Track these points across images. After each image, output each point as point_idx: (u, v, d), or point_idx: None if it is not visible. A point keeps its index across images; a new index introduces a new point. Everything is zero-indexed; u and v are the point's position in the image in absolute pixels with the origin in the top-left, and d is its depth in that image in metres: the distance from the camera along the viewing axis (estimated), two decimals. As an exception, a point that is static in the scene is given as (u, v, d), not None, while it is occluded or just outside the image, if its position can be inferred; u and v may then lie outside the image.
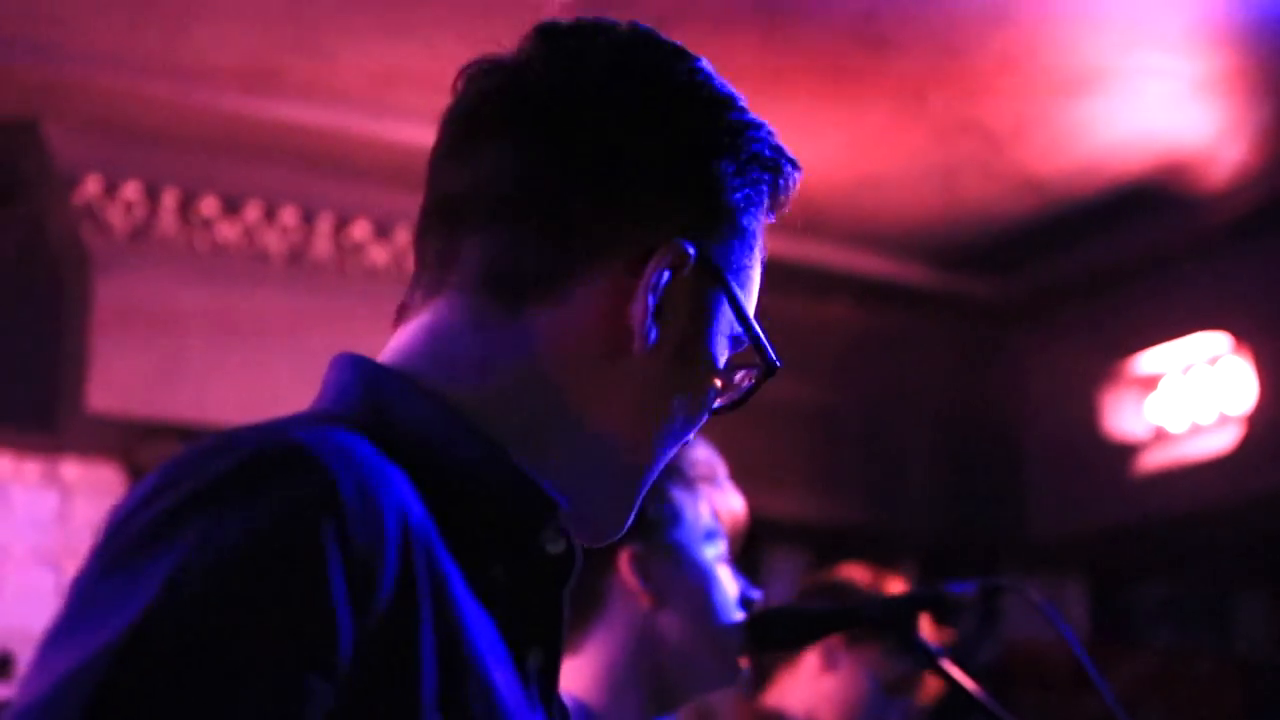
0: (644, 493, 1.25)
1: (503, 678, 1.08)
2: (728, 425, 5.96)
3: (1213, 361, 6.13)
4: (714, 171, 1.24)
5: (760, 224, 1.29)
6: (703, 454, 2.24)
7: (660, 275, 1.20)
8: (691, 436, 1.27)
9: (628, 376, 1.20)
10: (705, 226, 1.24)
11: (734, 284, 1.25)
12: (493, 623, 1.10)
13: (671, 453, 1.25)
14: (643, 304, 1.20)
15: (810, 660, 3.52)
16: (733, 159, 1.25)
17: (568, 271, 1.20)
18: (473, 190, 1.21)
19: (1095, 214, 5.93)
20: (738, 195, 1.26)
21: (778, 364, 1.28)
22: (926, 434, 6.85)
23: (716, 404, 1.28)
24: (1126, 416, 6.47)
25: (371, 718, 0.98)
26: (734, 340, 1.27)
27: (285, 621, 0.94)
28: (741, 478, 6.95)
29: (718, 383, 1.26)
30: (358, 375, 1.18)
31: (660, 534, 2.13)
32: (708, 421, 1.29)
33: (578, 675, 2.11)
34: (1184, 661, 7.83)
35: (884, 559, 7.06)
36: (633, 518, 1.25)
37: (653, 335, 1.20)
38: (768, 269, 1.33)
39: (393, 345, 1.22)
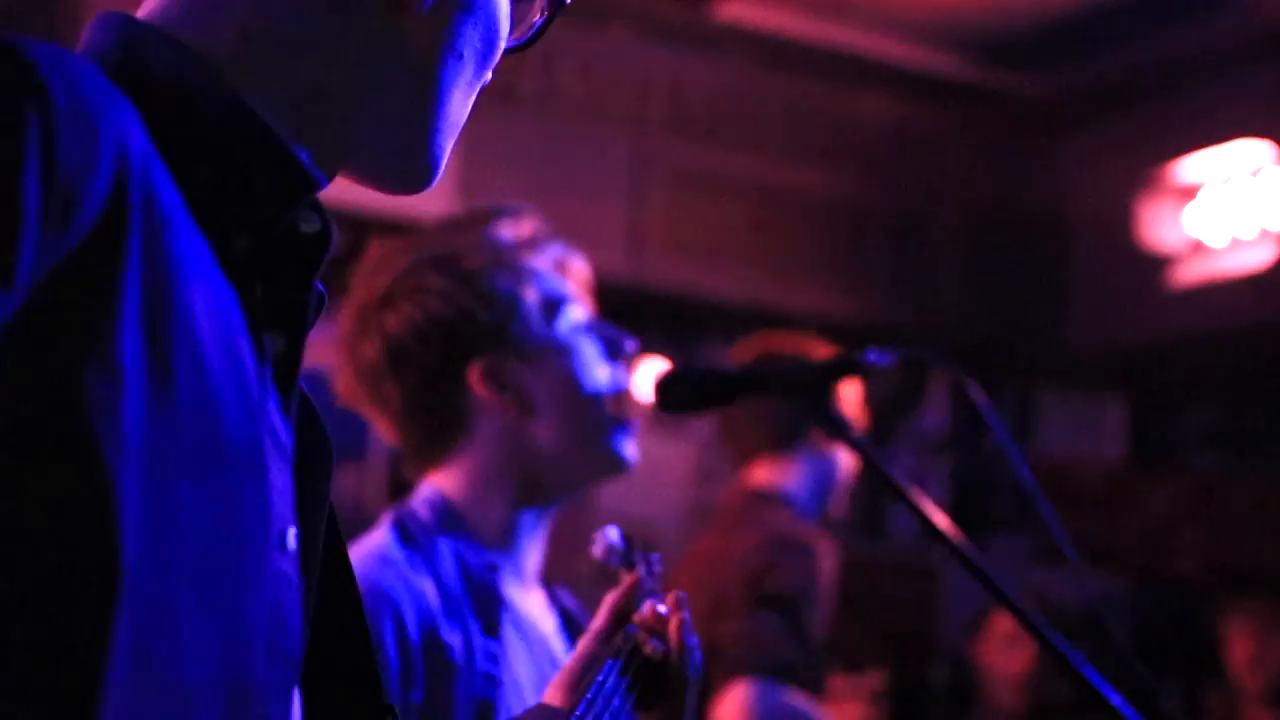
0: (446, 138, 1.19)
1: (221, 350, 1.00)
2: (752, 216, 5.80)
3: (1255, 173, 5.89)
4: None
5: None
6: (520, 227, 2.11)
7: None
8: (487, 76, 1.22)
9: (411, 32, 1.14)
10: None
11: None
12: (234, 296, 1.03)
13: (468, 97, 1.20)
14: None
15: (807, 443, 3.48)
16: None
17: None
18: None
19: (1142, 11, 5.68)
20: None
21: None
22: (961, 235, 6.68)
23: (510, 43, 1.23)
24: (1166, 226, 6.26)
25: (53, 357, 0.91)
26: None
27: None
28: (767, 270, 6.86)
29: (505, 20, 1.21)
30: (111, 25, 1.11)
31: (502, 337, 2.03)
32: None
33: (444, 481, 2.04)
34: (1225, 486, 7.67)
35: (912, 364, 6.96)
36: (442, 165, 1.19)
37: None
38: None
39: (142, 10, 1.15)
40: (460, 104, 1.18)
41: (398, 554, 1.93)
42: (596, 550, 1.62)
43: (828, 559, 3.36)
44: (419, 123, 1.16)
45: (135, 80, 1.03)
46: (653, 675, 1.49)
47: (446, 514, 2.01)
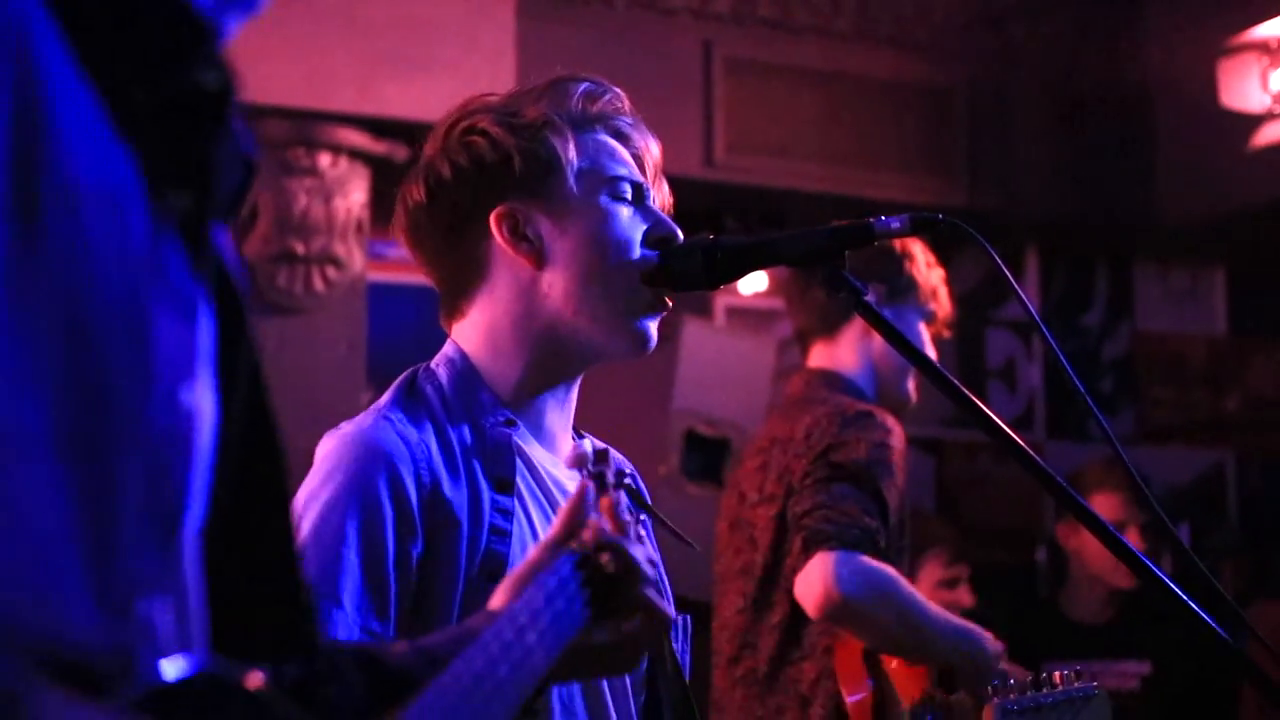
0: None
1: (100, 205, 0.95)
2: (826, 105, 5.68)
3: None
4: None
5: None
6: (594, 100, 2.07)
7: None
8: None
9: None
10: None
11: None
12: (125, 151, 0.99)
13: None
14: None
15: (855, 325, 3.44)
16: None
17: None
18: None
19: None
20: None
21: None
22: (1042, 110, 6.55)
23: None
24: (1251, 90, 6.08)
25: None
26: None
27: None
28: (846, 161, 6.73)
29: None
30: None
31: (534, 189, 2.01)
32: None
33: (464, 335, 2.06)
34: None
35: (1003, 245, 6.85)
36: None
37: None
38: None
39: None
40: None
41: (397, 412, 1.96)
42: (567, 461, 1.62)
43: (897, 431, 3.33)
44: None
45: None
46: (606, 586, 1.48)
47: (464, 371, 2.03)
